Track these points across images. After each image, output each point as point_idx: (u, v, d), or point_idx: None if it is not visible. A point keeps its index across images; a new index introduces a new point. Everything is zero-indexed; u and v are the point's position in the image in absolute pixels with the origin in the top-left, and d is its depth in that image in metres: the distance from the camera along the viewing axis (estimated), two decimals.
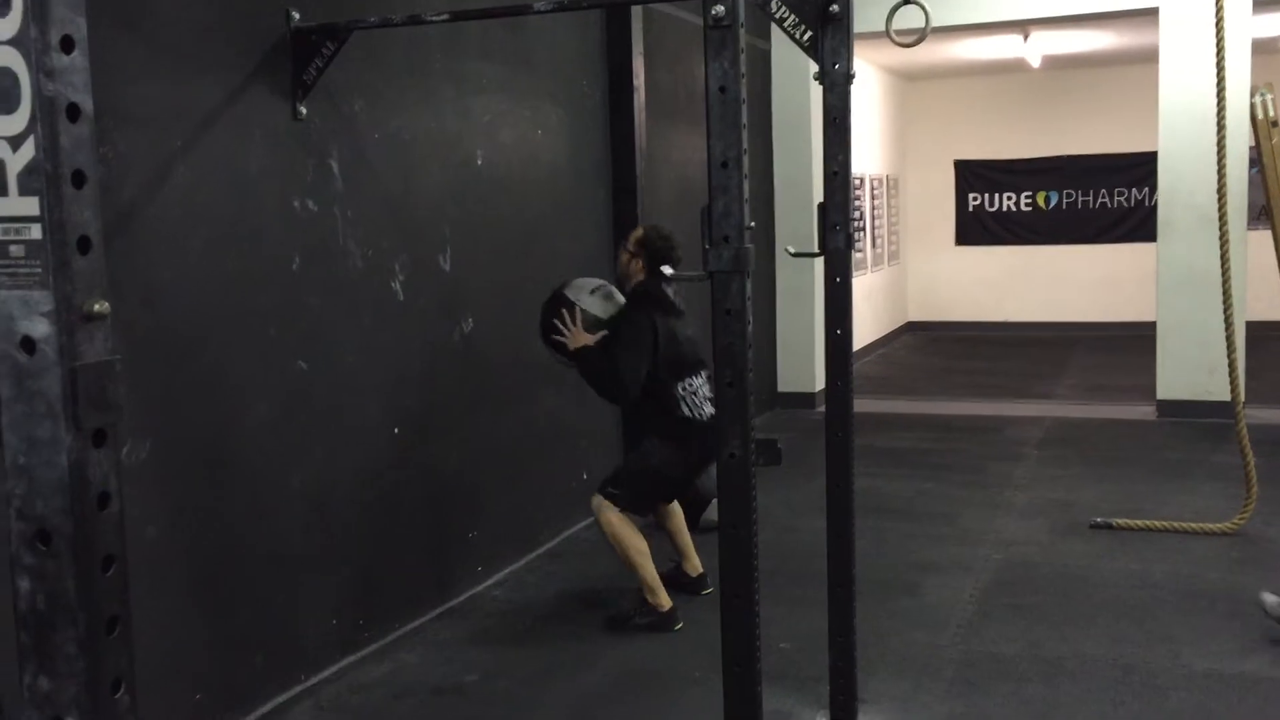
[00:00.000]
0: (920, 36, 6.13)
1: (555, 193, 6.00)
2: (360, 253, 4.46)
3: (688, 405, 4.76)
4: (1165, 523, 5.84)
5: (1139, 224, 13.16)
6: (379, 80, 4.56)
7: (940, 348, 13.22)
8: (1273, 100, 8.40)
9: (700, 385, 4.80)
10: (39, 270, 1.04)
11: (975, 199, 14.34)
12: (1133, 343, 11.46)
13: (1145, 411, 8.75)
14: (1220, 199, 5.79)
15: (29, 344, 1.07)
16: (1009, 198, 14.21)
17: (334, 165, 4.30)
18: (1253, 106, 8.31)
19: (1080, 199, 13.88)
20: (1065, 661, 4.26)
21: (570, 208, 6.16)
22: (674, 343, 4.75)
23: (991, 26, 9.20)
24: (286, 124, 4.08)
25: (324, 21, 4.07)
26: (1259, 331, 9.49)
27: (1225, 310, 5.77)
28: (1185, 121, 8.30)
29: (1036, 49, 11.63)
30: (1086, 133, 13.58)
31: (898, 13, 6.04)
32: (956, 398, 9.97)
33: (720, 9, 2.66)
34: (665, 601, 4.72)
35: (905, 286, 14.44)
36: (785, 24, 3.76)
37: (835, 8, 3.58)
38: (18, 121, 1.04)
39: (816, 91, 4.21)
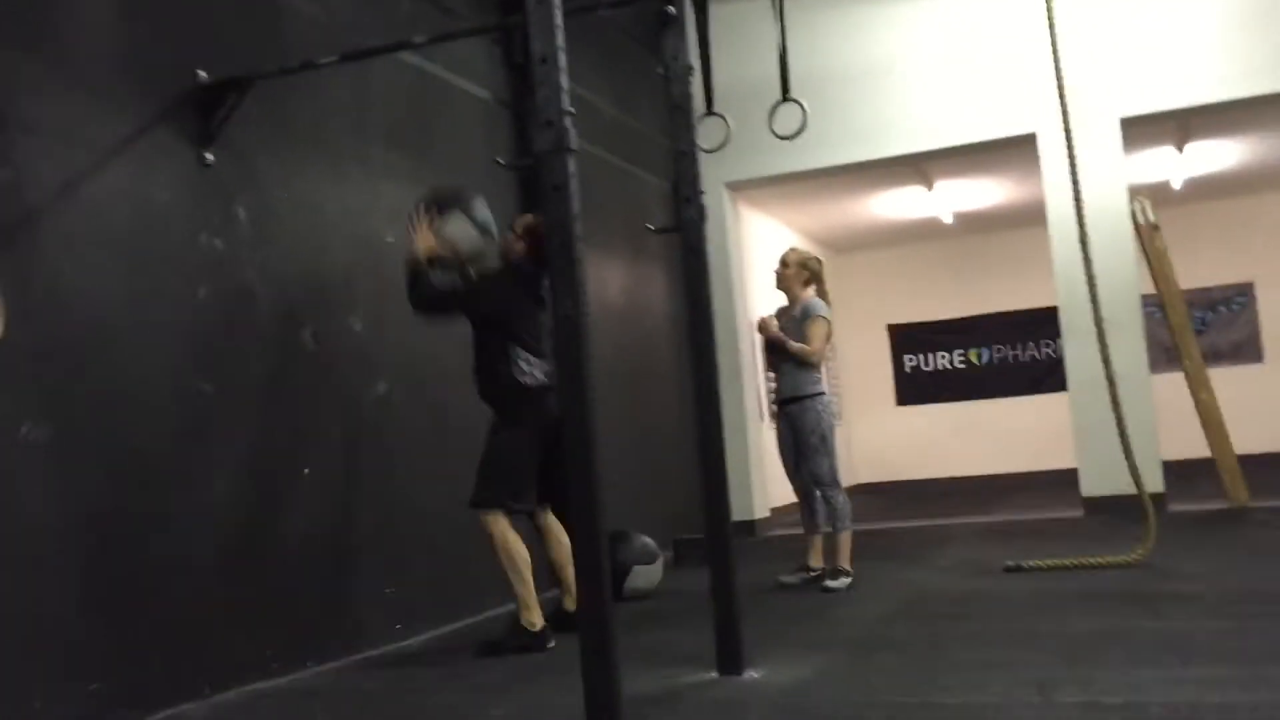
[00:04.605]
0: (801, 127, 6.70)
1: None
2: (269, 296, 4.77)
3: (523, 369, 4.90)
4: (1074, 559, 5.99)
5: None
6: (283, 144, 4.99)
7: (888, 501, 13.38)
8: (1150, 206, 9.04)
9: (540, 364, 4.94)
10: None
11: (911, 360, 14.87)
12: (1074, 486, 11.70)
13: (1073, 512, 8.94)
14: (1095, 306, 6.31)
15: None
16: (943, 356, 14.75)
17: (241, 212, 4.67)
18: (1133, 213, 8.94)
19: (1010, 353, 14.45)
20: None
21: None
22: (527, 317, 5.00)
23: (888, 163, 9.85)
24: (194, 168, 4.47)
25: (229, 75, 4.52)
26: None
27: (1111, 392, 6.11)
28: (1071, 225, 8.82)
29: (945, 204, 12.41)
30: (1004, 291, 14.25)
31: (778, 107, 6.68)
32: (900, 519, 10.13)
33: None
34: (537, 620, 4.81)
35: (851, 449, 14.73)
36: (634, 33, 4.24)
37: (671, 9, 4.03)
38: None
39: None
